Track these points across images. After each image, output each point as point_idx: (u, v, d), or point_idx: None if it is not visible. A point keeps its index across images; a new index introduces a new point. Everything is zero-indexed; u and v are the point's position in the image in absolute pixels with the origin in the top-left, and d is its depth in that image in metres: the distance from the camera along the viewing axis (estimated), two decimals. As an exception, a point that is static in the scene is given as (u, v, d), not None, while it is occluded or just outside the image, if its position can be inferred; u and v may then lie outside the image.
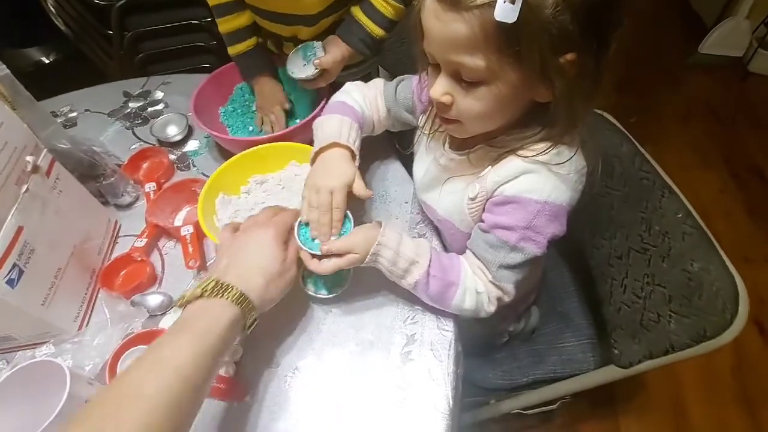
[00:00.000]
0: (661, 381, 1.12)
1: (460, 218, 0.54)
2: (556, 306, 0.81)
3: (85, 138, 0.65)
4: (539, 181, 0.46)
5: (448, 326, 0.53)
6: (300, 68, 0.71)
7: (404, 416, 0.47)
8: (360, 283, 0.56)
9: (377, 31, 0.71)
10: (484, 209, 0.50)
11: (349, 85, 0.65)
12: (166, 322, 0.55)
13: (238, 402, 0.49)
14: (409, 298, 0.54)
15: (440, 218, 0.58)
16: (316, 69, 0.69)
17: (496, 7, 0.35)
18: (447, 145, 0.54)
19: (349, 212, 0.52)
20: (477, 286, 0.50)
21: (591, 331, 0.77)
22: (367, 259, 0.49)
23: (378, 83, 0.65)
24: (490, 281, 0.50)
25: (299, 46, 0.72)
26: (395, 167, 0.73)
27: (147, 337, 0.51)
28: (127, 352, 0.49)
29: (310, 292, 0.55)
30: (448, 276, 0.50)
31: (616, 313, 0.63)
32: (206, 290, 0.41)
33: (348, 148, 0.56)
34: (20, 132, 0.48)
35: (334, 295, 0.54)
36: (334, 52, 0.70)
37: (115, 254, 0.62)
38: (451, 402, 0.47)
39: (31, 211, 0.48)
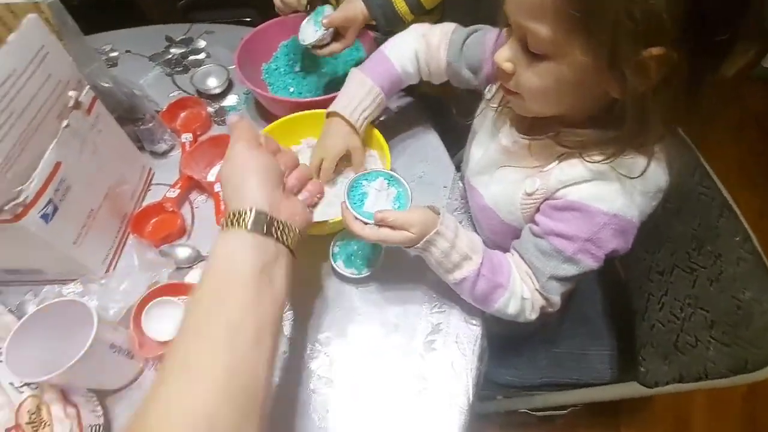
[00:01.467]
0: (669, 397, 1.09)
1: (508, 210, 0.51)
2: (581, 310, 0.79)
3: (126, 79, 0.63)
4: (610, 190, 0.42)
5: (476, 320, 0.52)
6: (311, 34, 0.66)
7: (421, 406, 0.46)
8: (388, 264, 0.54)
9: (401, 4, 0.66)
10: (538, 209, 0.47)
11: (414, 27, 0.60)
12: (192, 276, 0.54)
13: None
14: (438, 284, 0.52)
15: (484, 205, 0.54)
16: (325, 30, 0.65)
17: None
18: (511, 125, 0.50)
19: (406, 183, 0.49)
20: (523, 292, 0.48)
21: (614, 342, 0.74)
22: (419, 244, 0.44)
23: (447, 28, 0.59)
24: (537, 290, 0.47)
25: (311, 13, 0.68)
26: (436, 148, 0.70)
27: (173, 290, 0.51)
28: (151, 303, 0.48)
29: (338, 270, 0.53)
30: (497, 277, 0.47)
31: (649, 330, 0.60)
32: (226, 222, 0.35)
33: (348, 122, 0.55)
34: (65, 65, 0.47)
35: (363, 275, 0.53)
36: (346, 9, 0.65)
37: (147, 202, 0.62)
38: (471, 398, 0.46)
39: (70, 148, 0.47)
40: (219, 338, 0.30)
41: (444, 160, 0.68)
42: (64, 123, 0.46)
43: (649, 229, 0.61)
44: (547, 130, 0.45)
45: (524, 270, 0.48)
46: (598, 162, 0.41)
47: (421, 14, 0.68)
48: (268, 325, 0.32)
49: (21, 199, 0.41)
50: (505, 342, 0.76)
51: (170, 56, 0.82)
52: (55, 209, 0.45)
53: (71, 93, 0.47)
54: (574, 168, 0.43)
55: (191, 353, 0.29)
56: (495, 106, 0.52)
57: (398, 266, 0.54)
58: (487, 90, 0.57)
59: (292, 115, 0.62)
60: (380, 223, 0.44)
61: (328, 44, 0.67)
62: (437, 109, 0.77)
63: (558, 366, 0.74)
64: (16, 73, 0.40)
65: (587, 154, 0.42)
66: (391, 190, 0.50)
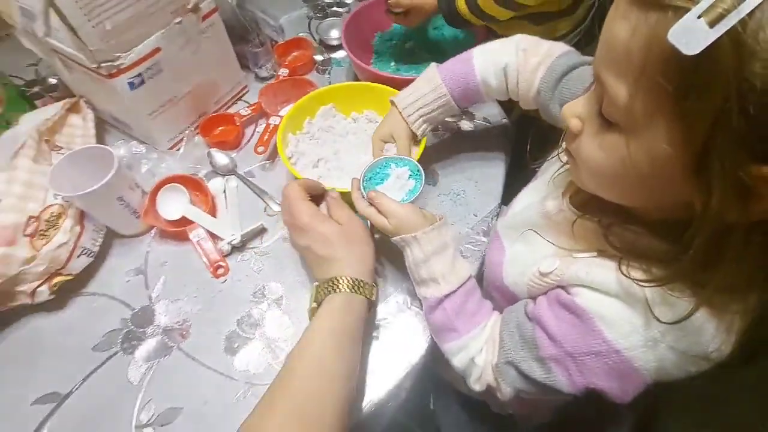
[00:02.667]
0: None
1: (515, 279, 0.44)
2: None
3: (258, 7, 0.72)
4: (629, 321, 0.33)
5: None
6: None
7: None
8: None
9: (461, 4, 0.63)
10: (546, 292, 0.40)
11: (520, 37, 0.52)
12: (213, 183, 0.61)
13: (214, 277, 0.54)
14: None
15: (499, 261, 0.47)
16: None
17: (677, 24, 0.22)
18: (565, 192, 0.41)
19: (423, 182, 0.49)
20: (477, 356, 0.43)
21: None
22: (394, 239, 0.45)
23: (555, 50, 0.49)
24: (492, 366, 0.42)
25: None
26: (493, 176, 0.63)
27: (192, 183, 0.58)
28: (170, 184, 0.57)
29: None
30: (457, 321, 0.43)
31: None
32: (317, 298, 0.44)
33: (400, 114, 0.53)
34: (197, -26, 0.56)
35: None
36: None
37: (228, 110, 0.71)
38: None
39: (173, 41, 0.57)
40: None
41: (493, 191, 0.61)
42: (177, 20, 0.56)
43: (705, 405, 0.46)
44: (601, 215, 0.36)
45: (492, 339, 0.43)
46: (635, 281, 0.31)
47: (476, 14, 0.63)
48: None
49: (117, 62, 0.52)
50: (475, 410, 0.67)
51: (319, 1, 0.90)
52: (142, 82, 0.56)
53: (192, -3, 0.56)
54: (603, 272, 0.34)
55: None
56: (563, 161, 0.42)
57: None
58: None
59: (362, 83, 0.62)
60: (371, 202, 0.47)
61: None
62: (517, 142, 0.68)
63: None
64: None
65: (629, 263, 0.33)
66: (409, 182, 0.50)
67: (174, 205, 0.57)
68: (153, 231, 0.58)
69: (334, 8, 0.89)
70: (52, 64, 0.61)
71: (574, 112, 0.33)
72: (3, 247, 0.46)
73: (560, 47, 0.49)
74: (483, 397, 0.61)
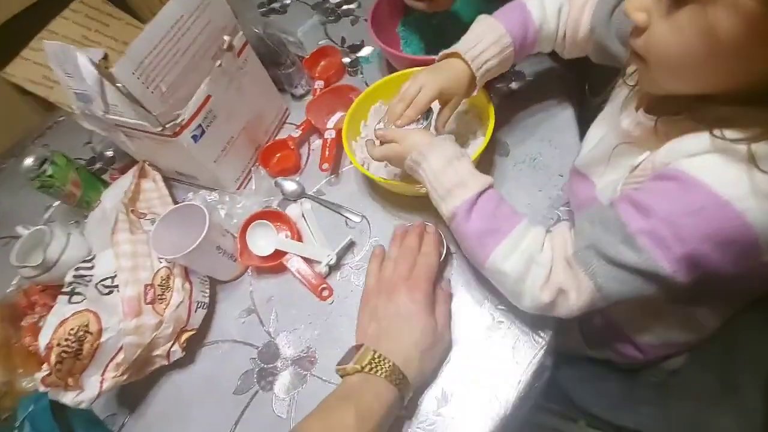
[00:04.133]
0: None
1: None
2: (727, 373, 0.60)
3: (278, 28, 0.72)
4: (731, 169, 0.30)
5: (544, 333, 0.46)
6: None
7: (462, 388, 0.45)
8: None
9: None
10: None
11: None
12: (291, 210, 0.62)
13: (320, 300, 0.55)
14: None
15: (593, 197, 0.44)
16: None
17: None
18: (638, 106, 0.39)
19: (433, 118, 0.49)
20: (538, 254, 0.38)
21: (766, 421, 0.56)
22: (408, 159, 0.44)
23: None
24: (566, 258, 0.37)
25: None
26: (564, 129, 0.60)
27: (274, 216, 0.59)
28: (256, 222, 0.58)
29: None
30: (497, 220, 0.40)
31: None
32: (365, 365, 0.40)
33: (468, 64, 0.48)
34: (224, 13, 0.56)
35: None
36: None
37: (279, 137, 0.72)
38: (509, 409, 0.43)
39: (219, 84, 0.58)
40: None
41: (571, 145, 0.58)
42: (217, 63, 0.57)
43: None
44: (680, 108, 0.34)
45: (561, 234, 0.39)
46: (732, 140, 0.29)
47: None
48: None
49: (178, 120, 0.54)
50: (605, 366, 0.65)
51: (328, 5, 0.88)
52: (203, 132, 0.57)
53: (226, 37, 0.56)
54: (695, 139, 0.31)
55: None
56: (631, 84, 0.40)
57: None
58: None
59: (405, 71, 0.61)
60: (381, 140, 0.48)
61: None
62: (577, 83, 0.64)
63: (665, 423, 0.60)
64: (183, 18, 0.50)
65: (722, 129, 0.30)
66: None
67: (263, 240, 0.58)
68: (249, 270, 0.60)
69: (344, 7, 0.88)
70: (113, 137, 0.64)
71: (638, 4, 0.31)
72: (134, 319, 0.48)
73: None
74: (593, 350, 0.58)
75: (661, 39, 0.30)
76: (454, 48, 0.50)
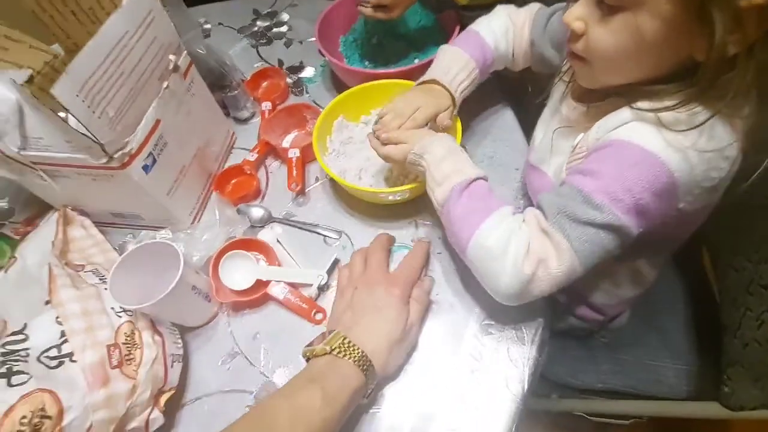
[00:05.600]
0: (753, 425, 0.96)
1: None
2: (656, 320, 0.71)
3: (218, 49, 0.68)
4: (650, 131, 0.36)
5: (538, 311, 0.49)
6: None
7: (473, 386, 0.45)
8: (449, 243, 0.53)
9: None
10: None
11: (498, 9, 0.59)
12: (263, 235, 0.58)
13: (314, 324, 0.51)
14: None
15: (551, 185, 0.50)
16: None
17: None
18: (570, 94, 0.47)
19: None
20: (516, 229, 0.40)
21: (692, 357, 0.67)
22: (412, 152, 0.46)
23: (533, 7, 0.57)
24: (541, 229, 0.39)
25: None
26: (511, 128, 0.66)
27: (246, 245, 0.54)
28: (228, 254, 0.53)
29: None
30: (488, 200, 0.42)
31: (741, 348, 0.53)
32: (334, 348, 0.40)
33: (447, 89, 0.53)
34: (168, 30, 0.51)
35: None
36: None
37: (229, 164, 0.66)
38: (526, 387, 0.44)
39: (168, 107, 0.52)
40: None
41: (518, 142, 0.64)
42: (165, 84, 0.51)
43: (756, 235, 0.54)
44: (607, 93, 0.41)
45: (532, 213, 0.41)
46: (646, 110, 0.36)
47: None
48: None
49: (127, 149, 0.47)
50: (563, 339, 0.72)
51: (256, 28, 0.86)
52: (154, 161, 0.51)
53: (171, 56, 0.51)
54: (619, 114, 0.38)
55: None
56: (566, 80, 0.48)
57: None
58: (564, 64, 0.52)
59: (364, 85, 0.62)
60: (388, 142, 0.49)
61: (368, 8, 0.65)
62: (515, 88, 0.72)
63: (622, 373, 0.68)
64: (128, 34, 0.44)
65: (639, 102, 0.37)
66: None
67: (239, 273, 0.53)
68: (223, 309, 0.54)
69: (274, 30, 0.86)
70: (24, 181, 0.53)
71: (575, 15, 0.38)
72: (101, 389, 0.39)
73: (535, 5, 0.58)
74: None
75: (600, 41, 0.37)
76: (430, 77, 0.54)
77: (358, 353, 0.40)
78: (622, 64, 0.37)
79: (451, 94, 0.53)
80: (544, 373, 0.71)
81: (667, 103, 0.36)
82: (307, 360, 0.43)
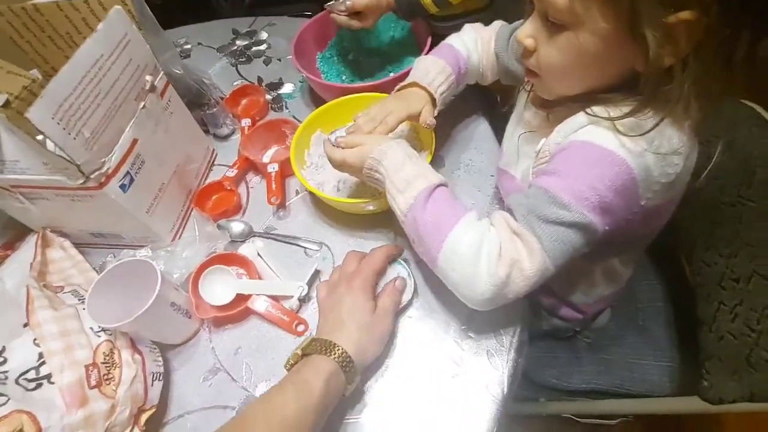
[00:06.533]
0: (742, 419, 0.98)
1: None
2: (638, 318, 0.73)
3: (196, 68, 0.69)
4: (606, 133, 0.38)
5: (515, 312, 0.50)
6: (337, 3, 0.67)
7: (454, 390, 0.46)
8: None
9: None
10: None
11: (467, 26, 0.62)
12: (244, 249, 0.58)
13: (296, 336, 0.51)
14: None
15: (520, 187, 0.51)
16: (348, 3, 0.65)
17: None
18: (532, 101, 0.49)
19: (405, 265, 0.51)
20: (486, 233, 0.40)
21: (674, 353, 0.68)
22: (370, 157, 0.46)
23: (496, 24, 0.60)
24: (511, 230, 0.40)
25: None
26: (485, 135, 0.68)
27: (227, 260, 0.55)
28: (208, 269, 0.53)
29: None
30: (455, 206, 0.42)
31: (717, 342, 0.55)
32: (305, 349, 0.43)
33: (427, 90, 0.55)
34: (143, 52, 0.52)
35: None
36: None
37: (209, 180, 0.67)
38: (506, 389, 0.45)
39: (145, 126, 0.53)
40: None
41: (493, 150, 0.66)
42: (141, 104, 0.52)
43: (727, 231, 0.56)
44: (562, 101, 0.44)
45: (501, 216, 0.42)
46: (600, 117, 0.38)
47: (442, 6, 0.65)
48: None
49: (104, 169, 0.47)
50: (548, 342, 0.73)
51: (236, 48, 0.88)
52: (132, 180, 0.51)
53: (148, 77, 0.52)
54: (576, 119, 0.41)
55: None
56: (528, 89, 0.51)
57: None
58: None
59: (340, 99, 0.64)
60: (344, 146, 0.50)
61: (346, 18, 0.67)
62: (487, 98, 0.75)
63: (607, 373, 0.69)
64: (103, 57, 0.45)
65: (593, 108, 0.39)
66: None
67: (219, 288, 0.53)
68: (205, 325, 0.54)
69: (254, 49, 0.88)
70: (2, 204, 0.53)
71: (526, 33, 0.41)
72: (79, 410, 0.39)
73: (499, 22, 0.61)
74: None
75: (548, 57, 0.40)
76: (411, 80, 0.56)
77: (324, 344, 0.41)
78: (570, 77, 0.41)
79: (431, 95, 0.55)
80: (531, 377, 0.72)
81: (622, 108, 0.38)
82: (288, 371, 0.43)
